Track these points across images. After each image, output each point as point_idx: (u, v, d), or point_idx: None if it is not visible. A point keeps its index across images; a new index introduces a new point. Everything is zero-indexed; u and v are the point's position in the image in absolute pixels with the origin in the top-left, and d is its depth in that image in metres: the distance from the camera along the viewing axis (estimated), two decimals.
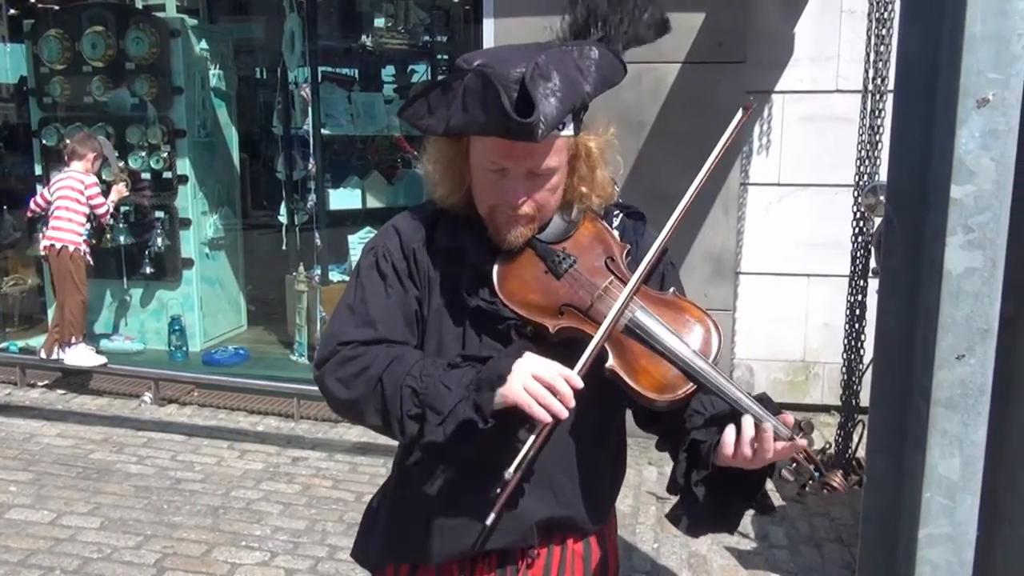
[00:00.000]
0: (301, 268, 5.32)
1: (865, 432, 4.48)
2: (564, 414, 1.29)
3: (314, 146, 5.02)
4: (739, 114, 1.51)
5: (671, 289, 1.47)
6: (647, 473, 4.22)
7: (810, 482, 1.43)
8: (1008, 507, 1.77)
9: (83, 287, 4.93)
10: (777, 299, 5.10)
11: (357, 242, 5.44)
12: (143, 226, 5.46)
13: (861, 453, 4.37)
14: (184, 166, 5.40)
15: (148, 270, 5.49)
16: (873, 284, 4.19)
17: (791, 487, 4.15)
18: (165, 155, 5.37)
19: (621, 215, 1.57)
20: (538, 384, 1.29)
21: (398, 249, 1.49)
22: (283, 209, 5.45)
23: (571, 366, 1.34)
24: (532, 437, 1.31)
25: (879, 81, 4.09)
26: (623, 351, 1.37)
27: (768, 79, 4.86)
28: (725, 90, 4.41)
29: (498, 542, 1.45)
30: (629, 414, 1.56)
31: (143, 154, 5.39)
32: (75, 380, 5.17)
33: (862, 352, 4.31)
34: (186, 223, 5.47)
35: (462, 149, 1.45)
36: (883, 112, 4.06)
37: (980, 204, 1.60)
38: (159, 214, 5.44)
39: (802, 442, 1.35)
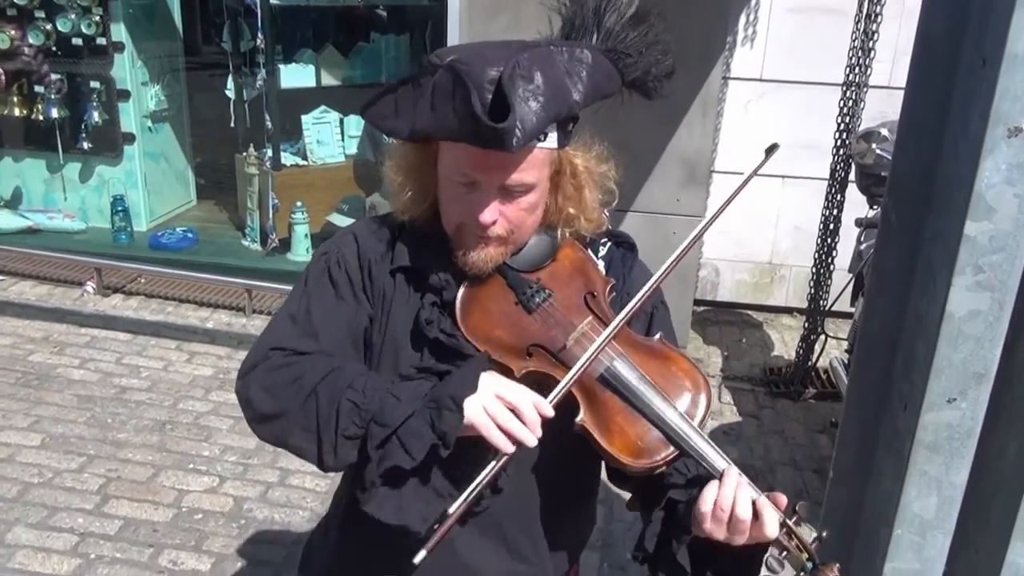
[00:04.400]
0: (251, 149, 4.99)
1: (827, 343, 4.47)
2: (531, 441, 1.13)
3: (262, 17, 4.58)
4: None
5: (658, 335, 1.30)
6: None
7: (801, 574, 1.31)
8: (978, 537, 1.70)
9: None
10: (749, 200, 4.91)
11: (312, 122, 5.10)
12: (76, 98, 5.03)
13: (822, 363, 4.37)
14: (119, 32, 4.91)
15: (85, 145, 5.11)
16: (850, 196, 4.04)
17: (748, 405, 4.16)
18: (98, 19, 4.87)
19: (609, 243, 1.39)
20: (501, 406, 1.14)
21: (354, 257, 1.32)
22: (230, 83, 5.05)
23: None
24: (488, 467, 1.13)
25: None
26: (597, 405, 1.21)
27: None
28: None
29: None
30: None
31: (72, 16, 4.89)
32: (14, 264, 4.91)
33: (832, 267, 4.22)
34: (124, 95, 5.05)
35: (429, 157, 1.26)
36: (879, 16, 3.77)
37: (995, 244, 1.42)
38: (94, 84, 5.01)
39: (782, 498, 1.22)
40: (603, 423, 1.21)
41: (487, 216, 1.22)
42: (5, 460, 3.22)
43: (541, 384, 1.22)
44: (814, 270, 4.25)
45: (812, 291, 4.28)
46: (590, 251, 1.37)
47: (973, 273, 1.45)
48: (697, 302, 5.08)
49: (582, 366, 1.19)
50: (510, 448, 1.12)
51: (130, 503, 3.03)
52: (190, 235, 5.18)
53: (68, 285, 4.81)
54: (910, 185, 1.70)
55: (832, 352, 4.28)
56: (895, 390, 1.76)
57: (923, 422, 1.55)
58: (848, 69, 3.90)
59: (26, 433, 3.39)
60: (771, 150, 1.39)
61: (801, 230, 4.91)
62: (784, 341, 4.93)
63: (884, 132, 2.85)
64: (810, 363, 4.37)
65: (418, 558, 1.11)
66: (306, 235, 4.85)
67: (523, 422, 1.13)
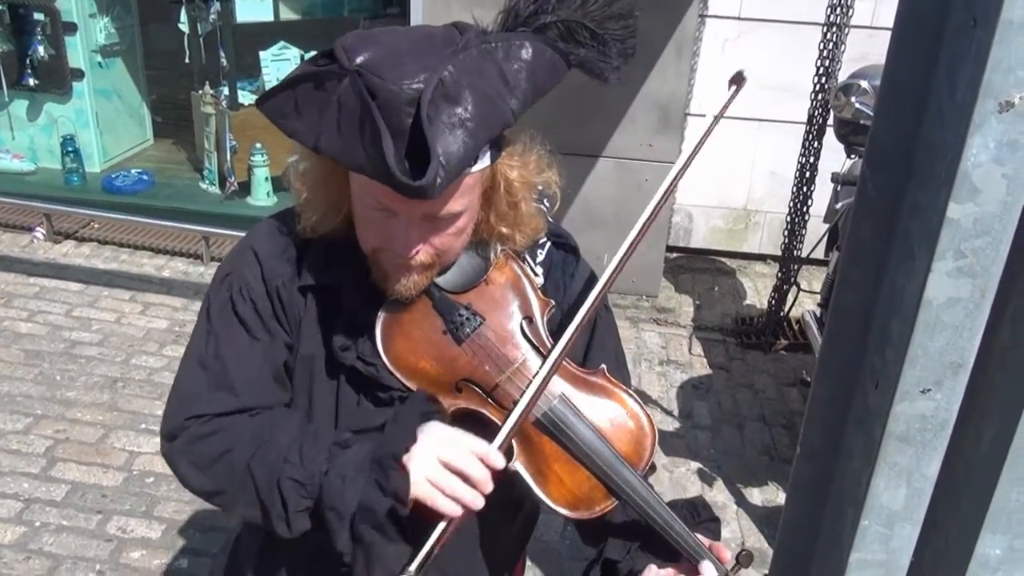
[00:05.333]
0: (207, 87, 4.75)
1: (799, 294, 4.39)
2: (479, 504, 1.05)
3: None
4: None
5: (602, 366, 1.18)
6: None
7: None
8: (947, 524, 1.63)
9: None
10: (724, 144, 4.77)
11: (270, 59, 4.85)
12: (20, 30, 4.74)
13: (794, 313, 4.29)
14: None
15: (32, 81, 4.85)
16: (827, 142, 3.91)
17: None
18: None
19: (549, 244, 1.24)
20: (445, 472, 1.05)
21: (259, 283, 1.16)
22: (183, 16, 4.79)
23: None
24: (438, 529, 1.05)
25: None
26: (532, 450, 1.11)
27: None
28: None
29: None
30: None
31: None
32: None
33: (807, 216, 4.11)
34: (71, 28, 4.77)
35: (339, 169, 1.10)
36: None
37: (980, 227, 1.30)
38: (37, 16, 4.72)
39: (726, 553, 1.16)
40: (539, 470, 1.12)
41: (409, 247, 1.08)
42: None
43: (472, 418, 1.12)
44: (789, 219, 4.14)
45: (786, 241, 4.18)
46: (528, 258, 1.23)
47: (954, 258, 1.32)
48: (670, 248, 4.97)
49: (522, 414, 1.08)
50: (458, 513, 1.04)
51: (78, 466, 2.92)
52: (145, 177, 4.96)
53: (16, 231, 4.61)
54: (890, 150, 1.56)
55: (805, 304, 4.20)
56: (867, 366, 1.67)
57: (895, 412, 1.44)
58: (829, 8, 3.73)
59: None
60: (738, 80, 1.26)
61: (777, 175, 4.79)
62: (757, 290, 4.85)
63: (864, 84, 2.71)
64: (782, 314, 4.30)
65: None
66: (266, 178, 4.65)
67: (471, 483, 1.05)
